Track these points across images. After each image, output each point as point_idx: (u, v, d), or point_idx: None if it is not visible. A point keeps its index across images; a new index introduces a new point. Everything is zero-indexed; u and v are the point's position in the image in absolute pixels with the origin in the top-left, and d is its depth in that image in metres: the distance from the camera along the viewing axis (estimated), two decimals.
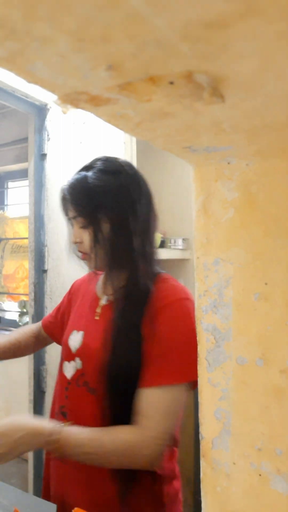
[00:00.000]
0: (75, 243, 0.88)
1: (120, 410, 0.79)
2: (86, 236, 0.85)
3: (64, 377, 0.90)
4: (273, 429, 0.34)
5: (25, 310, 2.62)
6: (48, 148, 1.70)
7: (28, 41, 0.17)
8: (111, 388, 0.81)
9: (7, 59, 0.18)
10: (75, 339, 0.90)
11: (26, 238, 1.90)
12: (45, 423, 0.76)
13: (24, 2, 0.14)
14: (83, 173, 0.85)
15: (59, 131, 1.66)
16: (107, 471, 0.81)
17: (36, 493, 1.67)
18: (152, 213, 0.88)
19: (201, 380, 0.38)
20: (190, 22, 0.15)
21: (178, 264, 1.97)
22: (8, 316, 2.77)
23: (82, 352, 0.88)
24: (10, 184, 3.01)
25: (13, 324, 2.63)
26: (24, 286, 2.73)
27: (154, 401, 0.76)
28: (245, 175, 0.35)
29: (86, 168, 0.87)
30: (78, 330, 0.91)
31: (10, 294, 2.82)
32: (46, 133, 1.70)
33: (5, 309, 2.83)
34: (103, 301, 0.91)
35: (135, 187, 0.85)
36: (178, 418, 0.79)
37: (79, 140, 1.57)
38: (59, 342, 1.05)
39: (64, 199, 0.89)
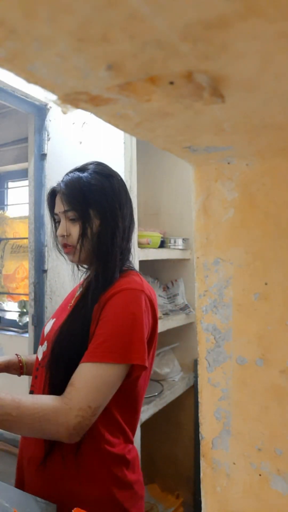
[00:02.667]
0: (63, 236, 0.94)
1: (59, 386, 0.82)
2: (74, 230, 0.92)
3: (37, 359, 0.98)
4: (273, 429, 0.34)
5: (25, 310, 2.62)
6: (48, 148, 1.70)
7: (28, 41, 0.17)
8: (53, 364, 0.86)
9: (7, 59, 0.18)
10: (48, 325, 1.00)
11: (26, 238, 1.90)
12: None
13: (24, 2, 0.14)
14: (78, 173, 0.94)
15: (59, 131, 1.66)
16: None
17: None
18: (133, 218, 0.99)
19: (201, 380, 0.38)
20: (190, 22, 0.15)
21: (178, 264, 1.97)
22: (8, 316, 2.77)
23: (48, 336, 0.96)
24: (10, 184, 3.01)
25: (13, 324, 2.63)
26: (24, 286, 2.72)
27: (85, 375, 0.79)
28: (245, 175, 0.35)
29: (79, 170, 0.95)
30: (53, 318, 1.01)
31: (10, 294, 2.82)
32: (46, 133, 1.70)
33: (5, 309, 2.83)
34: (77, 293, 1.00)
35: (123, 191, 0.96)
36: (106, 397, 0.80)
37: (79, 140, 1.57)
38: None
39: (54, 194, 0.97)
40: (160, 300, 1.90)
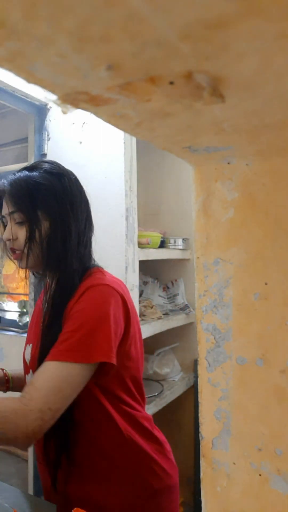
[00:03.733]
0: (9, 240, 0.87)
1: None
2: (21, 233, 0.85)
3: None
4: (273, 429, 0.34)
5: (25, 310, 2.62)
6: (48, 148, 1.69)
7: (28, 41, 0.17)
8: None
9: (7, 59, 0.18)
10: (27, 353, 0.93)
11: None
12: None
13: (24, 2, 0.14)
14: (26, 172, 0.87)
15: (59, 131, 1.66)
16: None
17: (36, 493, 1.67)
18: (89, 220, 0.92)
19: (201, 380, 0.38)
20: (190, 22, 0.15)
21: (178, 264, 1.97)
22: (8, 316, 2.77)
23: (32, 364, 0.88)
24: None
25: (13, 324, 2.63)
26: (24, 286, 2.72)
27: (47, 374, 0.74)
28: (245, 175, 0.35)
29: (29, 168, 0.89)
30: (29, 343, 0.93)
31: (10, 294, 2.82)
32: (46, 133, 1.70)
33: (5, 309, 2.83)
34: (45, 309, 0.91)
35: (76, 192, 0.89)
36: (68, 399, 0.75)
37: (79, 140, 1.57)
38: None
39: (0, 195, 0.89)
40: (160, 300, 1.90)
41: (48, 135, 1.70)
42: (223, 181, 0.37)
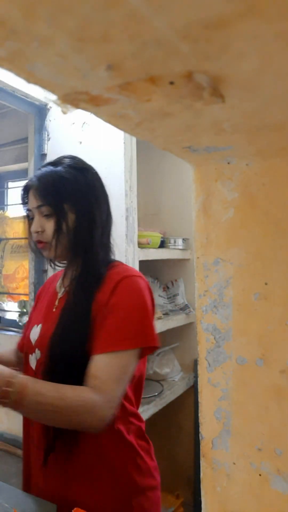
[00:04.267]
0: (36, 232, 0.91)
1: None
2: (49, 225, 0.90)
3: (31, 368, 0.94)
4: (273, 429, 0.34)
5: (25, 310, 2.62)
6: (48, 148, 1.69)
7: (28, 41, 0.17)
8: (53, 370, 0.83)
9: (7, 59, 0.18)
10: (35, 332, 0.95)
11: (26, 238, 1.90)
12: (9, 371, 0.75)
13: (24, 2, 0.14)
14: (51, 167, 0.91)
15: (59, 131, 1.66)
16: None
17: None
18: (109, 212, 0.96)
19: (201, 380, 0.38)
20: (190, 22, 0.15)
21: (178, 264, 1.97)
22: (8, 316, 2.77)
23: (39, 343, 0.91)
24: (10, 184, 3.01)
25: (13, 324, 2.63)
26: (24, 286, 2.72)
27: (106, 366, 0.79)
28: (245, 175, 0.35)
29: (53, 164, 0.93)
30: (38, 324, 0.96)
31: (10, 294, 2.82)
32: (46, 133, 1.70)
33: (5, 309, 2.83)
34: (60, 294, 0.96)
35: (98, 185, 0.94)
36: (126, 385, 0.81)
37: (79, 140, 1.57)
38: None
39: (28, 189, 0.93)
40: (160, 300, 1.90)
41: (48, 135, 1.70)
42: (223, 181, 0.37)
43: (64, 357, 0.83)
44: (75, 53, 0.17)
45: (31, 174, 1.70)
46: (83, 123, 1.56)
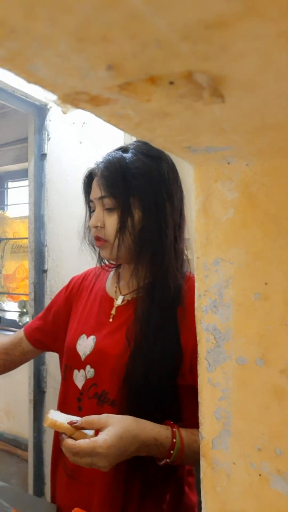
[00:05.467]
0: (95, 227, 0.78)
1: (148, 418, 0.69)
2: (110, 221, 0.76)
3: (75, 386, 0.81)
4: (273, 429, 0.34)
5: (25, 310, 2.62)
6: (48, 148, 1.69)
7: (28, 41, 0.17)
8: (137, 396, 0.72)
9: (7, 59, 0.18)
10: (85, 345, 0.81)
11: (26, 238, 1.90)
12: (158, 428, 0.67)
13: (24, 2, 0.14)
14: (120, 153, 0.77)
15: (59, 131, 1.65)
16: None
17: (36, 493, 1.67)
18: (183, 213, 0.81)
19: (201, 380, 0.38)
20: (190, 22, 0.15)
21: None
22: (8, 316, 2.77)
23: (94, 360, 0.78)
24: (10, 184, 3.01)
25: (13, 324, 2.63)
26: (24, 286, 2.72)
27: None
28: (245, 175, 0.35)
29: (123, 149, 0.79)
30: (88, 334, 0.82)
31: (10, 294, 2.82)
32: (46, 133, 1.70)
33: (5, 309, 2.83)
34: (118, 302, 0.83)
35: (173, 179, 0.79)
36: None
37: (79, 140, 1.57)
38: (50, 349, 0.97)
39: (90, 177, 0.82)
40: None
41: (48, 135, 1.70)
42: (223, 181, 0.37)
43: (152, 391, 0.71)
44: (75, 53, 0.17)
45: (31, 174, 1.71)
46: (83, 123, 1.56)
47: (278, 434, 0.34)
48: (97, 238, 0.79)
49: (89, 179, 0.83)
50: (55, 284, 1.67)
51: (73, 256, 1.58)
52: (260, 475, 0.35)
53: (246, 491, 0.35)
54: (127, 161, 0.76)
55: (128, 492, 0.76)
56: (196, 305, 0.39)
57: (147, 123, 0.26)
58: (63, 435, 0.64)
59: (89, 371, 0.79)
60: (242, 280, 0.36)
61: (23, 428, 2.53)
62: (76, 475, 0.80)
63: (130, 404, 0.72)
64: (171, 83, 0.20)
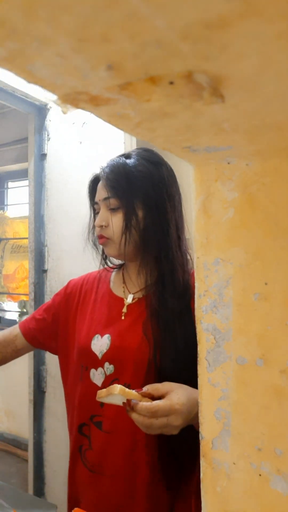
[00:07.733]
0: (100, 226, 0.83)
1: None
2: (115, 219, 0.81)
3: (94, 385, 0.83)
4: (273, 429, 0.34)
5: (25, 310, 2.62)
6: (48, 148, 1.69)
7: (28, 41, 0.17)
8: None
9: (7, 59, 0.18)
10: (100, 344, 0.83)
11: (26, 238, 1.90)
12: None
13: (24, 2, 0.14)
14: (123, 158, 0.84)
15: (59, 131, 1.66)
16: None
17: (36, 493, 1.67)
18: (182, 214, 0.86)
19: (201, 380, 0.38)
20: (190, 22, 0.15)
21: None
22: (8, 316, 2.77)
23: (113, 356, 0.81)
24: (10, 184, 3.01)
25: (13, 324, 2.64)
26: (24, 286, 2.72)
27: None
28: (245, 175, 0.35)
29: (126, 156, 0.85)
30: (102, 334, 0.84)
31: (10, 294, 2.82)
32: (46, 133, 1.70)
33: (5, 309, 2.83)
34: (128, 300, 0.86)
35: (173, 182, 0.85)
36: None
37: (79, 140, 1.57)
38: (45, 348, 0.99)
39: (97, 181, 0.86)
40: None
41: (48, 135, 1.70)
42: (223, 181, 0.37)
43: (182, 378, 0.71)
44: (75, 53, 0.17)
45: (31, 174, 1.71)
46: (83, 123, 1.56)
47: (278, 434, 0.34)
48: (100, 237, 0.84)
49: (94, 183, 0.88)
50: (55, 284, 1.67)
51: (73, 256, 1.58)
52: (260, 475, 0.35)
53: (246, 491, 0.36)
54: (130, 165, 0.82)
55: (164, 478, 0.77)
56: (196, 305, 0.39)
57: (147, 123, 0.26)
58: (134, 401, 0.65)
59: (108, 367, 0.81)
60: (242, 280, 0.36)
61: (23, 428, 2.53)
62: (100, 469, 0.81)
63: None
64: (171, 83, 0.20)
